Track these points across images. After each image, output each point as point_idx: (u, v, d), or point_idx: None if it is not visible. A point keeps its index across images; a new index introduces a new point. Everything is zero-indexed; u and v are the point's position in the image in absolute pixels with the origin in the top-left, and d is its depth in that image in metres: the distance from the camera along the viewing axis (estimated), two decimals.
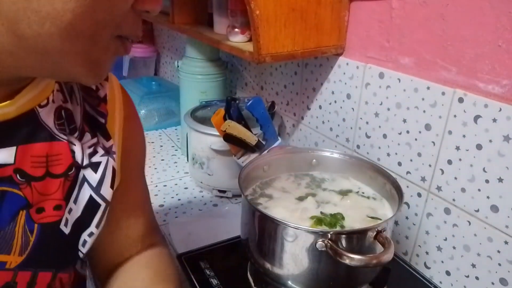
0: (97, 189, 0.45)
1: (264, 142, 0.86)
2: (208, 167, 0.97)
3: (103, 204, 0.46)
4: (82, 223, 0.45)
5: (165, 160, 1.20)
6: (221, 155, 0.94)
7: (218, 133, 0.86)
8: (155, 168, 1.15)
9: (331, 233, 0.52)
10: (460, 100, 0.61)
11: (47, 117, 0.40)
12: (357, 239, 0.54)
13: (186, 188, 1.04)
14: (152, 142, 1.33)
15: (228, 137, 0.82)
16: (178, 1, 1.01)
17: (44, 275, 0.42)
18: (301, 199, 0.68)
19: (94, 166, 0.45)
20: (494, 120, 0.57)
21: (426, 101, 0.66)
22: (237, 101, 0.90)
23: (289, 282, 0.59)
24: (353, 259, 0.49)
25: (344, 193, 0.70)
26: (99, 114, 0.48)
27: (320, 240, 0.52)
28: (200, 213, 0.93)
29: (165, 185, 1.05)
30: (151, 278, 0.52)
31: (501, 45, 0.55)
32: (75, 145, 0.43)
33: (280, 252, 0.57)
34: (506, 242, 0.58)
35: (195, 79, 1.12)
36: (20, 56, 0.33)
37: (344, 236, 0.53)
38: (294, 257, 0.56)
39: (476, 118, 0.59)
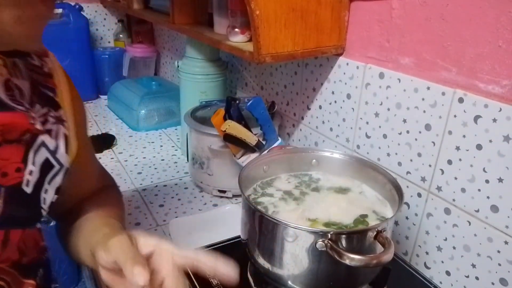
0: (53, 153, 0.49)
1: (264, 142, 0.86)
2: (208, 167, 0.97)
3: (57, 166, 0.50)
4: (40, 183, 0.48)
5: (165, 160, 1.20)
6: (221, 155, 0.94)
7: (218, 133, 0.86)
8: (155, 168, 1.15)
9: (331, 233, 0.52)
10: (460, 100, 0.61)
11: None
12: (357, 239, 0.54)
13: (186, 188, 1.04)
14: (152, 142, 1.33)
15: (228, 137, 0.82)
16: (178, 1, 1.01)
17: (15, 232, 0.47)
18: (300, 199, 0.68)
19: (48, 133, 0.49)
20: (494, 120, 0.57)
21: (426, 101, 0.66)
22: (237, 101, 0.90)
23: (289, 282, 0.59)
24: (353, 259, 0.49)
25: (344, 193, 0.70)
26: (48, 89, 0.51)
27: (320, 240, 0.52)
28: (200, 213, 0.93)
29: (165, 185, 1.05)
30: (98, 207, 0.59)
31: (501, 45, 0.55)
32: (28, 113, 0.46)
33: (280, 252, 0.57)
34: (506, 242, 0.58)
35: (195, 79, 1.12)
36: None
37: (344, 236, 0.53)
38: (294, 257, 0.56)
39: (476, 118, 0.59)
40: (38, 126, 0.47)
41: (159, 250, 0.46)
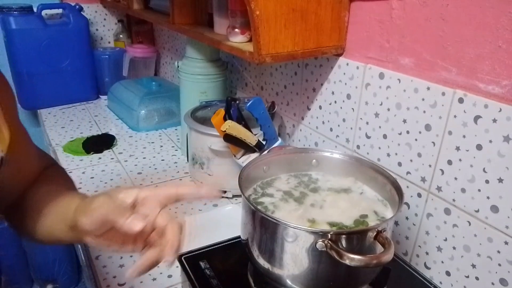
0: None
1: (264, 142, 0.86)
2: (208, 167, 0.97)
3: None
4: None
5: (165, 160, 1.20)
6: (221, 155, 0.94)
7: (218, 133, 0.86)
8: (155, 168, 1.15)
9: (331, 233, 0.52)
10: (460, 100, 0.61)
11: None
12: (357, 239, 0.54)
13: None
14: (152, 142, 1.33)
15: (228, 137, 0.82)
16: (178, 1, 1.01)
17: None
18: (301, 199, 0.68)
19: None
20: (494, 121, 0.57)
21: (426, 101, 0.66)
22: (237, 102, 0.90)
23: (289, 282, 0.59)
24: (353, 259, 0.49)
25: (344, 193, 0.70)
26: None
27: (320, 240, 0.52)
28: (200, 213, 0.93)
29: (165, 185, 1.05)
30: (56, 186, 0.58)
31: (501, 45, 0.55)
32: None
33: (280, 252, 0.57)
34: (506, 243, 0.58)
35: (195, 79, 1.12)
36: None
37: (344, 236, 0.53)
38: (294, 258, 0.56)
39: (476, 118, 0.59)
40: None
41: (141, 198, 0.46)
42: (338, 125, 0.87)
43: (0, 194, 0.52)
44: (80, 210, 0.46)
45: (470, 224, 0.63)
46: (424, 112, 0.67)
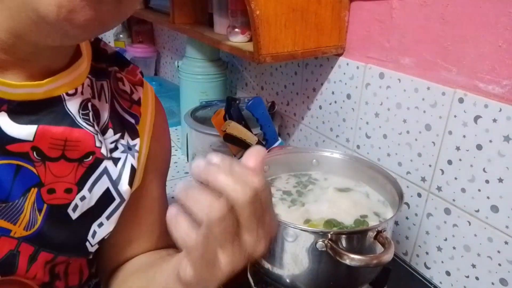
0: (115, 183, 0.46)
1: (264, 142, 0.86)
2: None
3: (117, 199, 0.47)
4: (93, 213, 0.45)
5: None
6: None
7: (218, 133, 0.86)
8: None
9: (331, 233, 0.52)
10: (460, 100, 0.61)
11: (72, 105, 0.41)
12: (357, 239, 0.54)
13: None
14: None
15: (228, 137, 0.82)
16: (178, 1, 1.01)
17: (45, 255, 0.43)
18: (301, 199, 0.68)
19: (115, 161, 0.46)
20: (494, 121, 0.57)
21: (426, 101, 0.66)
22: (237, 101, 0.90)
23: (289, 282, 0.59)
24: (353, 259, 0.49)
25: (344, 193, 0.70)
26: (130, 115, 0.49)
27: (320, 240, 0.52)
28: None
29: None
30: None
31: (501, 45, 0.55)
32: (97, 136, 0.44)
33: (280, 252, 0.57)
34: (506, 242, 0.58)
35: (195, 79, 1.12)
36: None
37: (344, 236, 0.53)
38: (294, 257, 0.56)
39: (476, 118, 0.59)
40: (104, 151, 0.44)
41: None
42: (338, 125, 0.87)
43: (115, 246, 0.50)
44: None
45: (470, 224, 0.63)
46: (424, 112, 0.67)
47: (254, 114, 0.84)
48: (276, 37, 0.72)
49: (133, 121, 0.50)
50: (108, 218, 0.47)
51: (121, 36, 1.82)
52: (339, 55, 0.83)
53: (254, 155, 0.34)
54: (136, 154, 0.49)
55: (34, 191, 0.40)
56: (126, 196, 0.48)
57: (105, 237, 0.47)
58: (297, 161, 0.76)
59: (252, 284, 0.66)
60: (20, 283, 0.42)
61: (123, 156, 0.47)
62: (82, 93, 0.43)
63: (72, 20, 0.32)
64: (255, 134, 0.84)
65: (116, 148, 0.47)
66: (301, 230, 0.54)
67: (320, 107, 0.91)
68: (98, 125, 0.45)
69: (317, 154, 0.76)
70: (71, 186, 0.42)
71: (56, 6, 0.31)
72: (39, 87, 0.38)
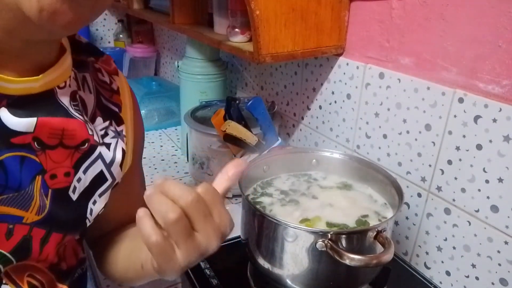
0: (109, 166, 0.50)
1: (264, 142, 0.86)
2: (208, 167, 0.97)
3: (110, 180, 0.51)
4: (88, 192, 0.49)
5: (165, 160, 1.20)
6: (221, 155, 0.94)
7: (218, 133, 0.86)
8: (155, 168, 1.15)
9: (331, 233, 0.52)
10: (460, 100, 0.61)
11: (64, 97, 0.45)
12: (357, 239, 0.54)
13: None
14: (152, 142, 1.33)
15: (228, 137, 0.82)
16: (178, 1, 1.01)
17: (56, 235, 0.47)
18: (301, 199, 0.68)
19: (107, 146, 0.50)
20: (494, 120, 0.57)
21: (426, 101, 0.66)
22: (237, 101, 0.90)
23: (289, 282, 0.59)
24: (353, 259, 0.49)
25: (344, 193, 0.70)
26: (113, 104, 0.53)
27: (320, 240, 0.52)
28: None
29: None
30: None
31: (501, 45, 0.55)
32: (88, 125, 0.47)
33: (280, 252, 0.57)
34: (506, 242, 0.58)
35: (195, 79, 1.12)
36: None
37: (344, 236, 0.53)
38: (294, 257, 0.56)
39: (476, 118, 0.59)
40: (96, 138, 0.48)
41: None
42: (338, 125, 0.87)
43: (105, 217, 0.54)
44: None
45: (470, 224, 0.63)
46: (424, 112, 0.67)
47: (254, 114, 0.84)
48: (276, 37, 0.72)
49: (116, 109, 0.54)
50: (100, 196, 0.51)
51: (121, 36, 1.82)
52: (339, 55, 0.83)
53: (234, 166, 0.43)
54: (124, 139, 0.53)
55: (39, 178, 0.43)
56: (118, 178, 0.52)
57: (99, 213, 0.52)
58: (296, 161, 0.76)
59: (252, 284, 0.66)
60: (32, 267, 0.46)
61: (113, 141, 0.51)
62: (69, 85, 0.46)
63: (54, 21, 0.35)
64: (255, 134, 0.84)
65: (106, 134, 0.51)
66: (301, 230, 0.54)
67: (320, 107, 0.91)
68: (86, 115, 0.48)
69: (317, 154, 0.76)
70: (69, 169, 0.46)
71: (37, 10, 0.33)
72: (36, 82, 0.41)
